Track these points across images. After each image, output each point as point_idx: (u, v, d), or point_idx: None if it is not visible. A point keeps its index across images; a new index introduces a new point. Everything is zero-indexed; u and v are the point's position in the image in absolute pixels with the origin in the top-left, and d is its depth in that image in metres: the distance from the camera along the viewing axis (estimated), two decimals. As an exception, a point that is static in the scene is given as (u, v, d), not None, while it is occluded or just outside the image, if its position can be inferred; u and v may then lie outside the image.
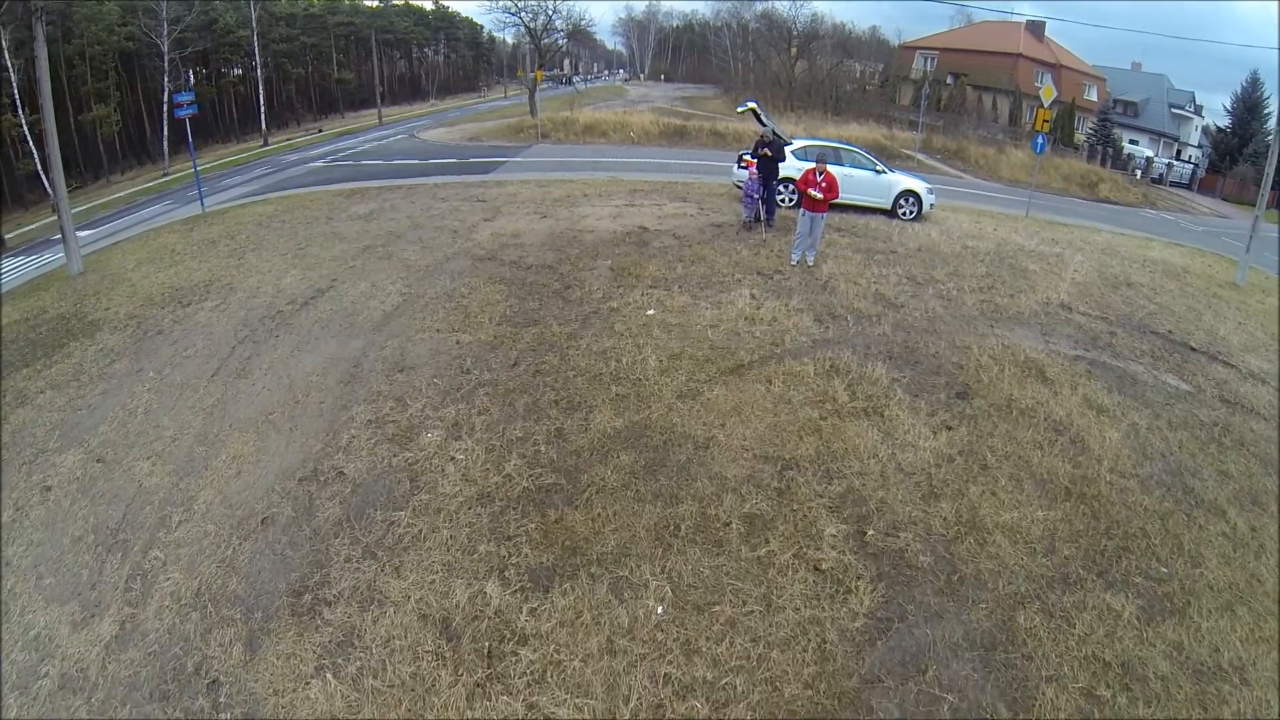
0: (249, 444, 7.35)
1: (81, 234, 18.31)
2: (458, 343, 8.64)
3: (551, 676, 4.73)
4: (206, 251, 13.52)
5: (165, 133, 36.80)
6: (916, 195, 15.14)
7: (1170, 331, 10.61)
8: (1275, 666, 5.15)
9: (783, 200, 13.93)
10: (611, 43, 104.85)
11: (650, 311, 9.20)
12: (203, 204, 18.62)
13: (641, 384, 7.60)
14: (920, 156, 31.94)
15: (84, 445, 7.88)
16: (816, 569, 5.46)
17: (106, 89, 37.70)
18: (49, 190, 15.51)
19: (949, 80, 47.18)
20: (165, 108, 34.07)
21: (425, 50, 74.00)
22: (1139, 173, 40.39)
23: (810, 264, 11.03)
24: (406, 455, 6.75)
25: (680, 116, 36.31)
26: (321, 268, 11.55)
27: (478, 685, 4.72)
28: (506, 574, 5.45)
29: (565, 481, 6.31)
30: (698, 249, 11.62)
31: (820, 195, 10.46)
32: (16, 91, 30.07)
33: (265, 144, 42.02)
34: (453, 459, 6.64)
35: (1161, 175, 42.79)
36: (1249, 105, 46.10)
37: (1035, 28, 47.83)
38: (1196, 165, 45.80)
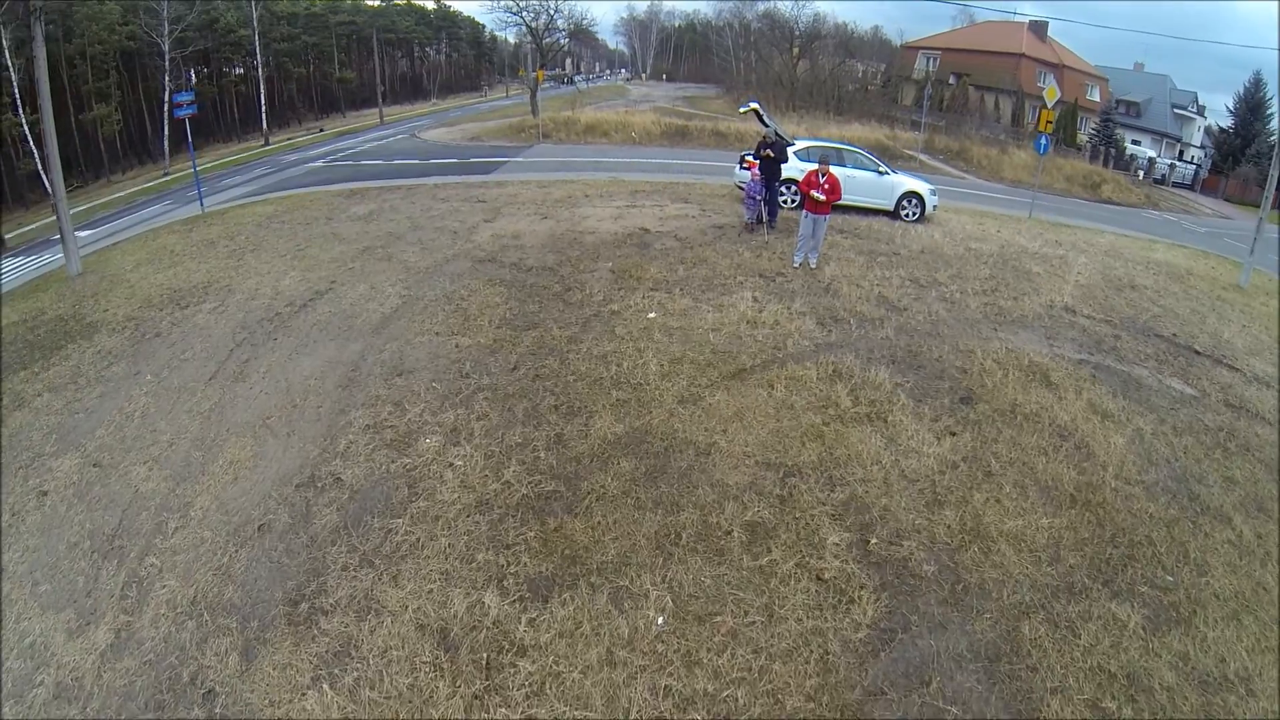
0: (246, 449, 7.30)
1: (81, 234, 18.30)
2: (457, 346, 8.58)
3: (550, 688, 4.67)
4: (205, 252, 13.47)
5: (166, 132, 36.78)
6: (919, 197, 15.06)
7: (1175, 335, 10.54)
8: (1282, 678, 5.09)
9: (785, 202, 13.85)
10: (613, 42, 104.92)
11: (651, 315, 9.14)
12: (202, 204, 18.57)
13: (642, 389, 7.54)
14: (922, 157, 31.85)
15: (81, 449, 7.83)
16: (819, 578, 5.40)
17: (107, 88, 37.69)
18: (49, 190, 15.46)
19: (951, 80, 47.08)
20: (166, 107, 34.02)
21: (427, 49, 73.99)
22: (1141, 173, 40.29)
23: (813, 266, 10.97)
24: (404, 461, 6.70)
25: (682, 116, 36.22)
26: (320, 269, 11.50)
27: (476, 697, 4.66)
28: (505, 583, 5.39)
29: (565, 489, 6.25)
30: (699, 251, 11.56)
31: (823, 197, 10.39)
32: (17, 91, 30.06)
33: (266, 143, 41.99)
34: (451, 465, 6.58)
35: (1164, 176, 42.68)
36: (1251, 105, 45.99)
37: (1038, 28, 47.74)
38: (1199, 166, 45.67)
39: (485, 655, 4.91)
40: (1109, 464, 6.94)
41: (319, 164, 26.74)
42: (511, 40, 67.50)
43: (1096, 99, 47.78)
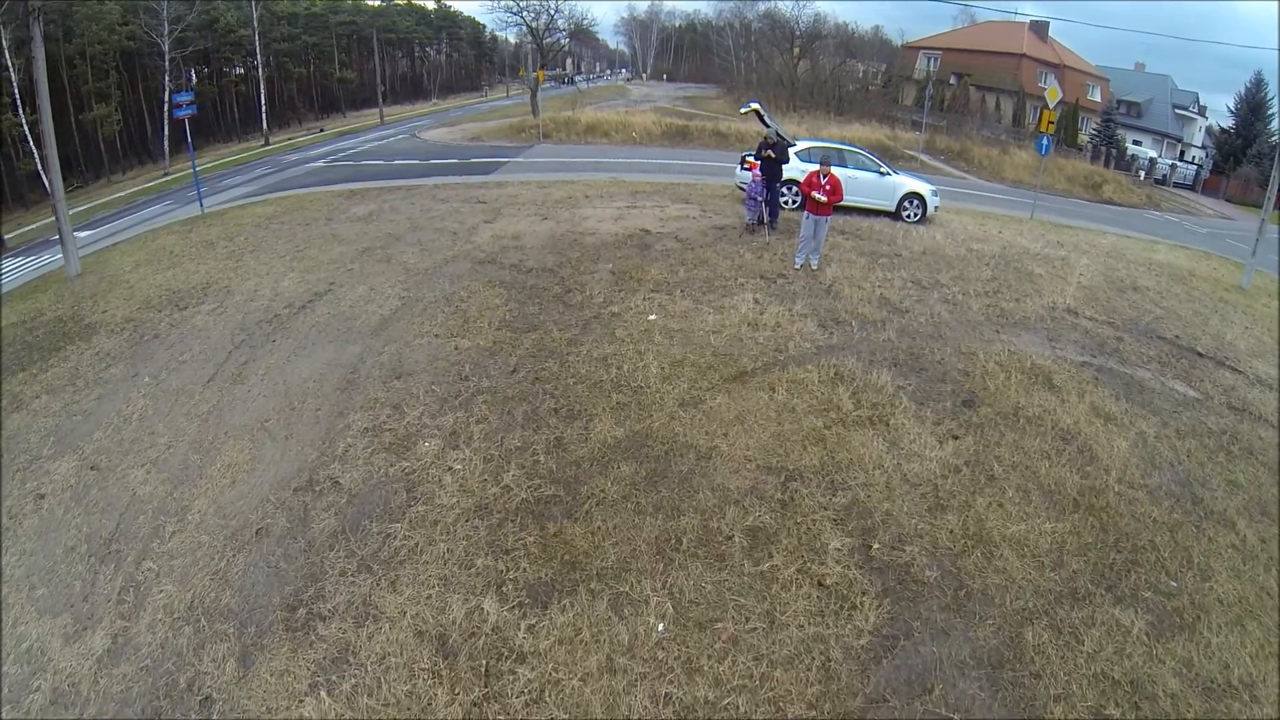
0: (244, 452, 7.26)
1: (81, 234, 18.29)
2: (456, 348, 8.54)
3: (550, 696, 4.63)
4: (204, 253, 13.44)
5: (166, 132, 36.75)
6: (921, 197, 15.02)
7: (1177, 337, 10.49)
8: (1287, 684, 5.04)
9: (786, 203, 13.82)
10: (614, 42, 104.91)
11: (652, 316, 9.10)
12: (201, 205, 18.53)
13: (643, 392, 7.50)
14: (923, 157, 31.80)
15: (79, 452, 7.79)
16: (821, 584, 5.36)
17: (107, 88, 37.67)
18: (49, 190, 15.44)
19: (952, 80, 47.02)
20: (166, 107, 34.00)
21: (427, 49, 73.97)
22: (1143, 174, 40.24)
23: (814, 268, 10.93)
24: (403, 465, 6.66)
25: (683, 116, 36.18)
26: (320, 270, 11.46)
27: (474, 705, 4.62)
28: (504, 589, 5.35)
29: (564, 493, 6.21)
30: (700, 252, 11.52)
31: (824, 198, 10.35)
32: (17, 91, 30.03)
33: (267, 143, 41.96)
34: (450, 469, 6.54)
35: (1165, 176, 42.64)
36: (1252, 106, 45.95)
37: (1039, 28, 47.69)
38: (1200, 166, 45.63)
39: (484, 662, 4.87)
40: (1112, 468, 6.89)
41: (319, 164, 26.70)
42: (512, 40, 67.64)
43: (1097, 99, 47.73)
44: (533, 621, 5.11)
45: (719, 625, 5.07)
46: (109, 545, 6.47)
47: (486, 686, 4.72)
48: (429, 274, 10.89)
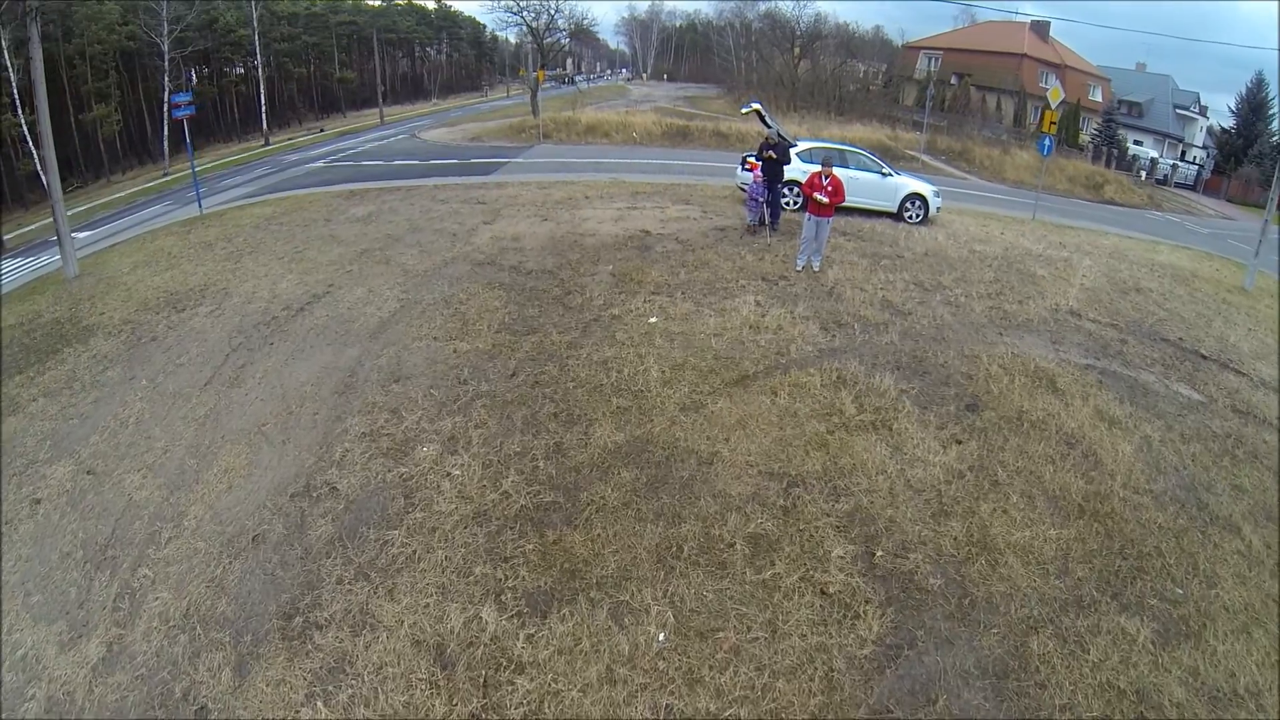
0: (241, 457, 7.19)
1: (80, 235, 18.26)
2: (455, 351, 8.48)
3: (549, 707, 4.57)
4: (203, 255, 13.38)
5: (165, 132, 36.72)
6: (923, 198, 14.97)
7: (1181, 339, 10.43)
8: (1294, 693, 4.98)
9: (788, 204, 13.76)
10: (614, 42, 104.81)
11: (652, 319, 9.03)
12: (200, 206, 18.47)
13: (643, 396, 7.44)
14: (924, 157, 31.73)
15: (75, 456, 7.73)
16: (823, 593, 5.30)
17: (107, 88, 37.64)
18: (48, 190, 15.39)
19: (953, 80, 46.94)
20: (166, 107, 33.94)
21: (427, 49, 73.93)
22: (1144, 174, 40.17)
23: (816, 269, 10.87)
24: (401, 470, 6.59)
25: (683, 117, 36.11)
26: (318, 272, 11.40)
27: (473, 716, 4.56)
28: (503, 598, 5.29)
29: (564, 499, 6.14)
30: (701, 254, 11.45)
31: (826, 199, 10.29)
32: (16, 91, 29.98)
33: (267, 143, 41.91)
34: (449, 475, 6.48)
35: (1166, 176, 42.57)
36: (1253, 106, 45.89)
37: (1040, 28, 47.64)
38: (1201, 166, 45.56)
39: (482, 672, 4.80)
40: (1117, 473, 6.83)
41: (319, 164, 26.64)
42: (512, 40, 67.57)
43: (1099, 99, 47.67)
44: (532, 631, 5.04)
45: (720, 635, 5.01)
46: (105, 551, 6.41)
47: (485, 697, 4.66)
48: (428, 276, 10.83)
